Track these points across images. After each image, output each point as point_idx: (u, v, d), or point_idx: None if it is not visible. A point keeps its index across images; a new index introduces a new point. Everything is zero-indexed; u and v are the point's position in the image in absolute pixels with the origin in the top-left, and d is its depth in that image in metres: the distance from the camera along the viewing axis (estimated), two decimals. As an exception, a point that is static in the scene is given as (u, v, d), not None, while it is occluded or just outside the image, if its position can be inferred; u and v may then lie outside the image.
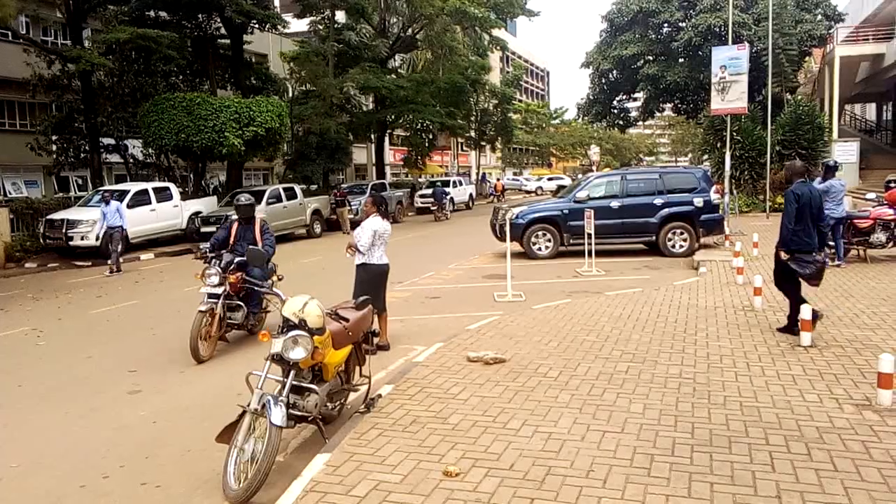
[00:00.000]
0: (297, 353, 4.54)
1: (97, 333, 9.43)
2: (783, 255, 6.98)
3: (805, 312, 6.70)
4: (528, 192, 56.28)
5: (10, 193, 25.97)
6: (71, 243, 17.83)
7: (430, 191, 34.62)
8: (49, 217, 18.63)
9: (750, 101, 22.91)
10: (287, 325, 4.64)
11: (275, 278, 8.42)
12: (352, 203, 25.97)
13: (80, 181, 28.86)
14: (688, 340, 7.13)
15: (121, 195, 19.34)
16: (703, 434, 4.62)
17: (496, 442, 4.62)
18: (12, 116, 27.73)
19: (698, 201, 14.49)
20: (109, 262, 15.81)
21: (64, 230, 17.94)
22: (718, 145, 25.23)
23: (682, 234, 14.46)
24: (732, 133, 21.47)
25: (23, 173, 27.55)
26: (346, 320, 5.24)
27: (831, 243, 11.02)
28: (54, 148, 24.15)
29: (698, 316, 8.30)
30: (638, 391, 5.54)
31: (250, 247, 6.91)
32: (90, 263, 17.22)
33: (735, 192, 21.64)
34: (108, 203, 16.26)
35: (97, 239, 17.45)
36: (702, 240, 14.89)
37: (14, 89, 25.79)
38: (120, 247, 16.21)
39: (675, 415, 5.00)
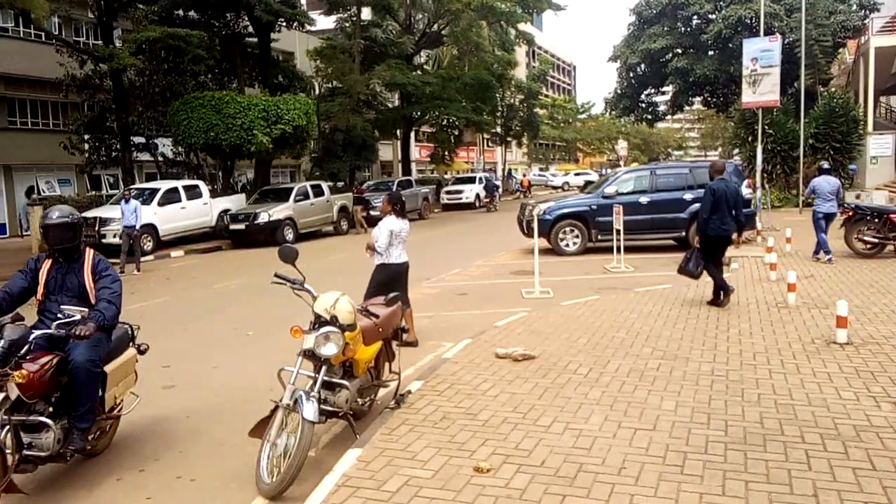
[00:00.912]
0: (329, 349, 4.57)
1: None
2: (695, 242, 8.78)
3: (841, 309, 6.58)
4: (554, 187, 55.93)
5: (43, 192, 26.54)
6: (104, 241, 18.14)
7: (457, 187, 35.63)
8: (82, 215, 18.95)
9: (782, 94, 22.44)
10: (318, 322, 4.68)
11: (131, 352, 5.16)
12: (374, 202, 25.95)
13: (111, 179, 29.42)
14: (720, 337, 7.04)
15: (152, 193, 19.68)
16: (736, 432, 4.56)
17: (527, 438, 4.61)
18: (45, 116, 28.31)
19: (729, 196, 14.25)
20: (119, 261, 15.31)
21: (97, 228, 18.27)
22: (750, 139, 24.81)
23: (712, 229, 14.23)
24: (764, 126, 21.08)
25: (56, 172, 28.15)
26: (377, 317, 5.26)
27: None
28: (86, 147, 24.62)
29: (730, 312, 8.19)
30: (669, 388, 5.49)
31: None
32: (123, 260, 17.51)
33: (767, 186, 21.29)
34: (127, 201, 16.14)
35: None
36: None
37: (47, 89, 26.34)
38: (149, 245, 16.15)
39: (707, 412, 4.94)
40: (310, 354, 4.62)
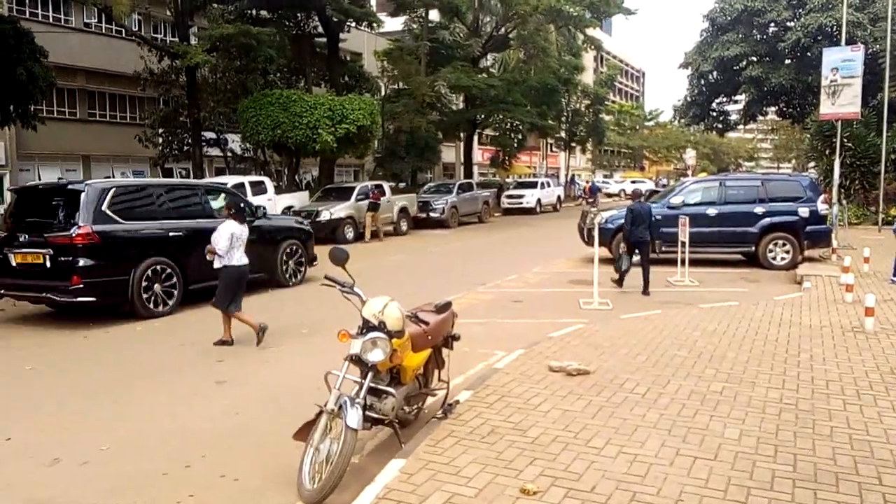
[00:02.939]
0: (376, 355, 4.46)
1: (189, 321, 9.75)
2: (622, 246, 11.31)
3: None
4: (609, 194, 54.88)
5: (119, 182, 27.54)
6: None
7: (518, 191, 35.91)
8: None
9: (863, 106, 21.36)
10: (367, 327, 4.58)
11: None
12: (434, 204, 25.86)
13: (182, 173, 30.30)
14: (790, 362, 6.63)
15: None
16: (806, 468, 4.23)
17: (577, 460, 4.39)
18: (123, 109, 29.45)
19: (804, 211, 13.60)
20: None
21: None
22: (827, 152, 23.69)
23: (784, 245, 13.61)
24: (843, 139, 20.10)
25: (131, 164, 29.23)
26: (426, 323, 5.13)
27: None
28: (160, 140, 25.48)
29: (801, 335, 7.74)
30: (733, 415, 5.17)
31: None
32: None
33: (844, 202, 20.28)
34: None
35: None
36: (806, 252, 13.98)
37: (125, 84, 27.37)
38: None
39: (774, 444, 4.61)
40: (356, 359, 4.53)
